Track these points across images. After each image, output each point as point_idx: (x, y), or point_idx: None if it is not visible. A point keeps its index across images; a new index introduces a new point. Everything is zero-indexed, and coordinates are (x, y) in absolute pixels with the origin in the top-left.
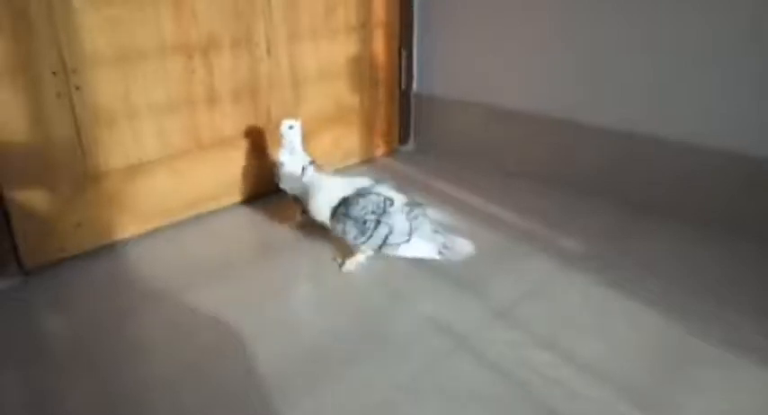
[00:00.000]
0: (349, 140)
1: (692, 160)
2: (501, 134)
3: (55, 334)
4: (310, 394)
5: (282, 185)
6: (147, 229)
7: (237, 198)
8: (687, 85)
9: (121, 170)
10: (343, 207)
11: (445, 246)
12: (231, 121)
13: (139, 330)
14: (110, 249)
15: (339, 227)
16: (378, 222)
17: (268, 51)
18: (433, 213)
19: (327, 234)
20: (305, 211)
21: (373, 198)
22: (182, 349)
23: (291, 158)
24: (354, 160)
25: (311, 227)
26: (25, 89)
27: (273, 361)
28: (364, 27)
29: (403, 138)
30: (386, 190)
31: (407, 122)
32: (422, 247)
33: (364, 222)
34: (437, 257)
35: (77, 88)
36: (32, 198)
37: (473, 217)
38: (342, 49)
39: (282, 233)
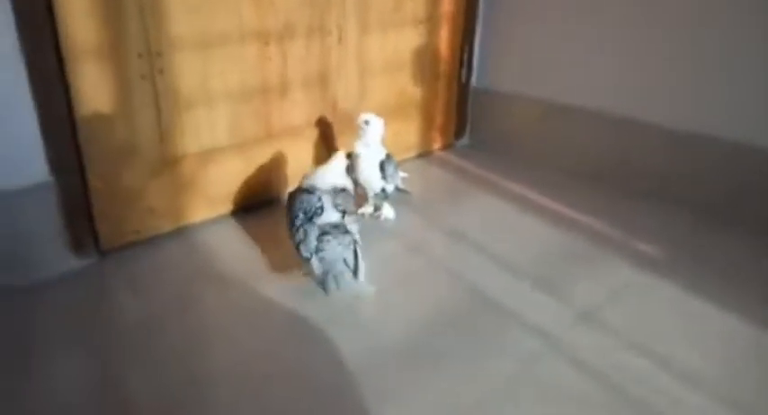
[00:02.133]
0: (408, 133)
1: (763, 163)
2: (560, 131)
3: (125, 315)
4: (401, 391)
5: (354, 176)
6: (217, 214)
7: None
8: (758, 87)
9: (195, 155)
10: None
11: (336, 279)
12: (300, 110)
13: (207, 314)
14: (181, 232)
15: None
16: (301, 225)
17: (339, 40)
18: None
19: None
20: (376, 205)
21: (312, 198)
22: (252, 337)
23: (367, 151)
24: (412, 153)
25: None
26: (112, 70)
27: (358, 353)
28: (430, 20)
29: (459, 133)
30: (331, 198)
31: (465, 117)
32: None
33: (293, 218)
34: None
35: (161, 71)
36: (112, 180)
37: (536, 214)
38: (407, 42)
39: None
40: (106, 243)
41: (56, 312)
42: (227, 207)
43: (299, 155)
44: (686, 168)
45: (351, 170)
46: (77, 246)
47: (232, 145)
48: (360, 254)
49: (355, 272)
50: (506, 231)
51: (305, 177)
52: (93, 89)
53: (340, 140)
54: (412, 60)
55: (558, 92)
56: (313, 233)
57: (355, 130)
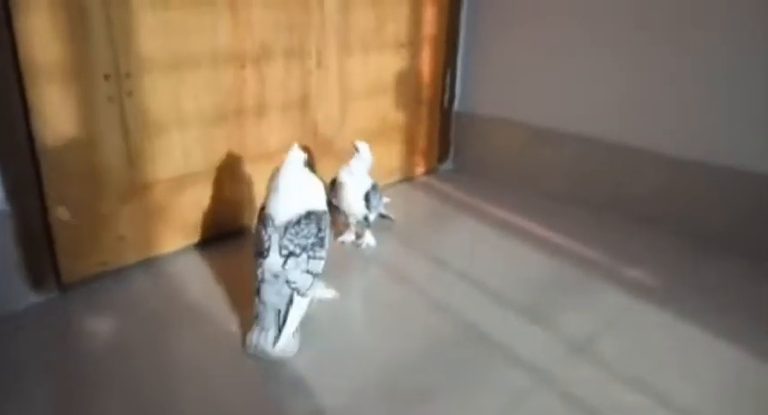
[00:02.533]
0: (391, 158)
1: (758, 188)
2: (545, 157)
3: (86, 350)
4: None
5: (336, 203)
6: (188, 243)
7: None
8: (746, 112)
9: (167, 181)
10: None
11: (258, 335)
12: (277, 135)
13: (174, 350)
14: (151, 263)
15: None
16: (255, 258)
17: (318, 63)
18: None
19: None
20: (357, 233)
21: (262, 234)
22: (220, 373)
23: (352, 180)
24: (395, 178)
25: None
26: (76, 92)
27: (335, 392)
28: (412, 43)
29: (443, 157)
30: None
31: (448, 141)
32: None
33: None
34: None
35: (129, 93)
36: (77, 208)
37: (523, 241)
38: (389, 65)
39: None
40: (69, 276)
41: (9, 351)
42: (198, 235)
43: None
44: (677, 193)
45: (333, 196)
46: (37, 280)
47: (205, 170)
48: (295, 308)
49: (283, 325)
50: (492, 258)
51: (268, 194)
52: (57, 111)
53: (320, 166)
54: (394, 84)
55: (542, 116)
56: (258, 274)
57: (336, 156)
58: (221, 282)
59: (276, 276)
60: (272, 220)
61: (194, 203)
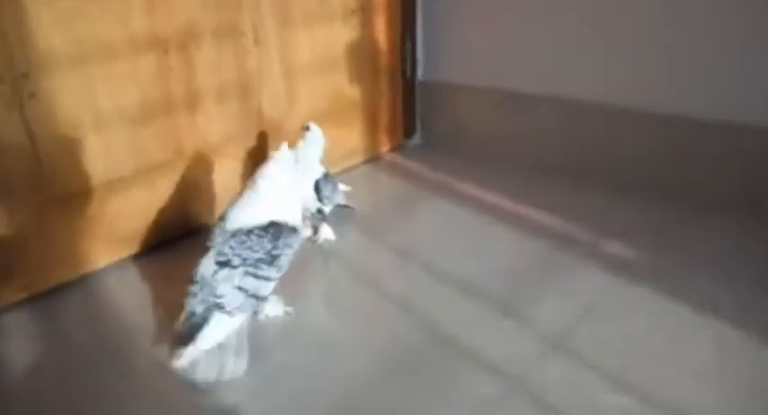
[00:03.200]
0: (350, 138)
1: (747, 144)
2: (519, 123)
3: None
4: None
5: None
6: (126, 254)
7: None
8: (735, 62)
9: (92, 189)
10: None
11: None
12: (217, 125)
13: (105, 384)
14: (82, 282)
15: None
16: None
17: (256, 40)
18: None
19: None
20: (314, 227)
21: (212, 233)
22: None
23: (296, 166)
24: (357, 159)
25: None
26: None
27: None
28: (363, 10)
29: (409, 132)
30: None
31: (413, 114)
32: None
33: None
34: None
35: (32, 96)
36: None
37: (497, 221)
38: (339, 36)
39: None
40: None
41: None
42: (137, 245)
43: (221, 177)
44: (663, 155)
45: None
46: None
47: (136, 174)
48: (215, 325)
49: (189, 338)
50: (463, 244)
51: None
52: None
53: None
54: (346, 56)
55: (515, 80)
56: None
57: (288, 142)
58: (158, 297)
59: (204, 282)
60: (225, 220)
61: (127, 211)
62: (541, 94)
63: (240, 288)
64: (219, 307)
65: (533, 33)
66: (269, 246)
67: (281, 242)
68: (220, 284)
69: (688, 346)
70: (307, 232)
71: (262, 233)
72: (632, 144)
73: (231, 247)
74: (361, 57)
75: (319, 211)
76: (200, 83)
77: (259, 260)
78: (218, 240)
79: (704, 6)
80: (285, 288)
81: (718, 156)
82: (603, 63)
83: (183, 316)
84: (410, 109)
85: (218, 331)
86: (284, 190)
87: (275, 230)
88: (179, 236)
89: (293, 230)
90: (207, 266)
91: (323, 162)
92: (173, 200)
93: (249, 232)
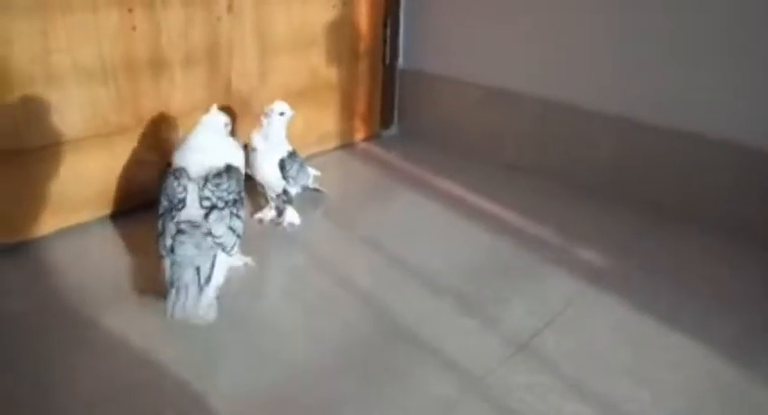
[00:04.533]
0: (324, 121)
1: (725, 157)
2: (500, 120)
3: None
4: None
5: (250, 172)
6: (76, 222)
7: None
8: (714, 76)
9: (41, 149)
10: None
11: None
12: (182, 93)
13: (48, 353)
14: (26, 248)
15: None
16: (162, 215)
17: (229, 8)
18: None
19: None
20: (278, 209)
21: (176, 186)
22: (96, 382)
23: (265, 145)
24: (330, 145)
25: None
26: None
27: (222, 408)
28: None
29: (385, 121)
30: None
31: (391, 103)
32: None
33: (158, 204)
34: None
35: None
36: None
37: (469, 218)
38: (318, 13)
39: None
40: None
41: None
42: (90, 212)
43: None
44: (636, 161)
45: (247, 165)
46: None
47: (92, 135)
48: (219, 266)
49: (205, 283)
50: (433, 239)
51: (176, 149)
52: None
53: (237, 129)
54: (324, 35)
55: (496, 75)
56: (170, 229)
57: (256, 118)
58: (117, 261)
59: (196, 226)
60: (186, 172)
61: (77, 175)
62: (523, 92)
63: (230, 228)
64: (223, 248)
65: (519, 30)
66: (236, 188)
67: (241, 185)
68: (214, 225)
69: (650, 358)
70: (270, 213)
71: (227, 175)
72: (610, 149)
73: (211, 190)
74: (341, 38)
75: (285, 193)
76: (166, 47)
77: (235, 201)
78: (190, 187)
79: (689, 17)
80: (240, 270)
81: (690, 167)
82: (587, 65)
83: (166, 266)
84: (389, 97)
85: (220, 271)
86: (221, 141)
87: (235, 172)
88: (134, 207)
89: (242, 174)
90: (194, 213)
91: (289, 141)
92: (129, 167)
93: (218, 175)
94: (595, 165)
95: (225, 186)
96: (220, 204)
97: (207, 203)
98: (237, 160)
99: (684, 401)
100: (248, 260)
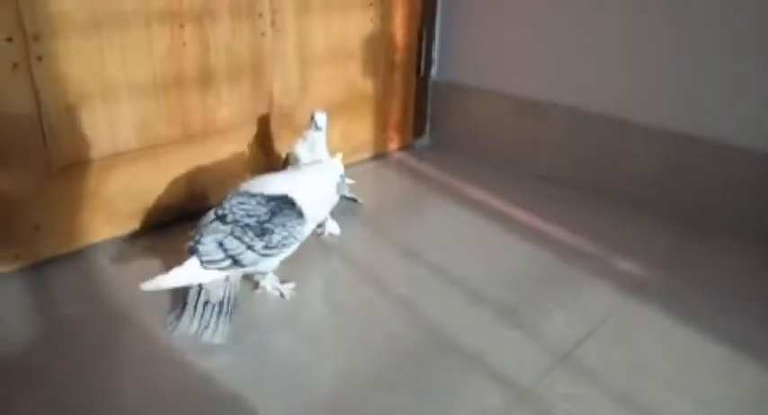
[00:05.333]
0: (360, 132)
1: (762, 169)
2: (532, 132)
3: None
4: None
5: None
6: (122, 232)
7: None
8: (763, 90)
9: (94, 161)
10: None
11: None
12: (227, 107)
13: (95, 365)
14: (75, 256)
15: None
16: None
17: (273, 24)
18: None
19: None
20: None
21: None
22: (143, 398)
23: (311, 155)
24: (365, 154)
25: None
26: None
27: None
28: (382, 2)
29: (418, 131)
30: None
31: (424, 113)
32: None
33: None
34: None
35: (39, 58)
36: None
37: (506, 228)
38: (356, 27)
39: None
40: None
41: None
42: (135, 223)
43: (226, 161)
44: (677, 173)
45: None
46: None
47: (141, 148)
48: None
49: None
50: (470, 249)
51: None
52: None
53: (278, 141)
54: (362, 48)
55: (529, 86)
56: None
57: (297, 130)
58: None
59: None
60: (249, 183)
61: (128, 186)
62: (556, 104)
63: (221, 245)
64: (193, 251)
65: (553, 42)
66: (264, 217)
67: (277, 219)
68: (203, 230)
69: (694, 371)
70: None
71: (263, 201)
72: (646, 160)
73: (231, 204)
74: (377, 50)
75: None
76: (214, 61)
77: (248, 225)
78: (227, 196)
79: (733, 26)
80: (283, 279)
81: (733, 179)
82: (622, 77)
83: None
84: (422, 108)
85: (184, 274)
86: (315, 180)
87: (277, 204)
88: (180, 218)
89: (298, 214)
90: (208, 214)
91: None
92: (176, 180)
93: (253, 196)
94: (631, 176)
95: (247, 207)
96: (229, 218)
97: (220, 211)
98: (300, 198)
99: (728, 414)
100: (288, 288)
